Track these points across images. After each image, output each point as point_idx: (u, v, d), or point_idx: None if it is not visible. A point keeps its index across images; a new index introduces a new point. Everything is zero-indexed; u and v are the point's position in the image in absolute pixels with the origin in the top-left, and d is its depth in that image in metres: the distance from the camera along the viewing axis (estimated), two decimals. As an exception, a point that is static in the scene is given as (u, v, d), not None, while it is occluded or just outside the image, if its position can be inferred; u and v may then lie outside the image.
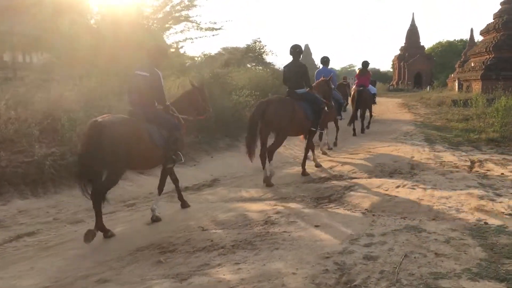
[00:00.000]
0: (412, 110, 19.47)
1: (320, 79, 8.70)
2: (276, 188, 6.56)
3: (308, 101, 7.26)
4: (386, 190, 5.95)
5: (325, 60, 10.42)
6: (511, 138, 9.87)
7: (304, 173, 7.42)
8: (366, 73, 13.36)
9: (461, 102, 17.05)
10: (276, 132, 6.96)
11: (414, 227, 4.34)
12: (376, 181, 6.58)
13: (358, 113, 13.01)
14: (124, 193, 6.36)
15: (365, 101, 12.93)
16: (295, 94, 7.24)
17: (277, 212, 5.10)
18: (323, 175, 7.38)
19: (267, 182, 6.71)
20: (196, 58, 21.14)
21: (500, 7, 24.42)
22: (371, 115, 13.86)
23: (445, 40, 59.05)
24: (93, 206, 4.47)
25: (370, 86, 13.72)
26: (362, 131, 12.99)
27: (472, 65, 23.89)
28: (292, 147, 10.73)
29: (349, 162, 8.35)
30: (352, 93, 13.30)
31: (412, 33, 48.90)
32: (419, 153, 8.83)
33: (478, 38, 33.64)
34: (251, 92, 12.96)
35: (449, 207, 5.04)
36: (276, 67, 31.33)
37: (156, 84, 4.97)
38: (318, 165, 8.00)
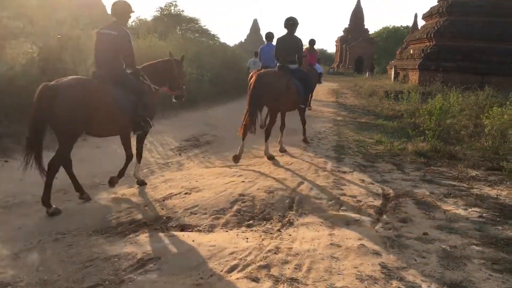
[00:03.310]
0: (339, 100, 16.90)
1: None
2: (15, 257, 3.42)
3: (300, 77, 6.98)
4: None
5: (270, 36, 9.75)
6: (445, 153, 7.34)
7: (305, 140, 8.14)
8: (313, 52, 13.06)
9: (392, 95, 14.67)
10: (271, 107, 6.82)
11: None
12: (205, 247, 3.57)
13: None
14: None
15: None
16: (287, 69, 6.88)
17: None
18: (138, 216, 4.35)
19: (268, 155, 6.81)
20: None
21: (446, -11, 22.17)
22: (311, 97, 12.72)
23: (391, 26, 57.49)
24: (46, 180, 4.09)
25: (317, 65, 13.34)
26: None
27: (411, 52, 21.61)
28: (156, 147, 7.66)
29: (203, 185, 5.30)
30: None
31: (357, 15, 46.67)
32: (315, 175, 5.98)
33: (422, 23, 31.63)
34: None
35: None
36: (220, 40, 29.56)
37: (125, 44, 4.62)
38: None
